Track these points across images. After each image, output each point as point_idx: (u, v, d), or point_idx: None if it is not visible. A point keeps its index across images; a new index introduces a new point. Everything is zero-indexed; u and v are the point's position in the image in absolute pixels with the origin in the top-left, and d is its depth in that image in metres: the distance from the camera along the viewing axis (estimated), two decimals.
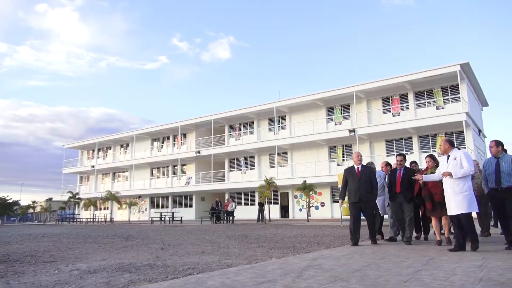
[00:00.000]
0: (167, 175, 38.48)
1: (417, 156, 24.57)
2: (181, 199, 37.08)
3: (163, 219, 27.44)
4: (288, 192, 30.40)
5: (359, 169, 7.24)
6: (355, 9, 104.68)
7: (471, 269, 4.02)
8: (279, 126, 31.91)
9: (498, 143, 5.92)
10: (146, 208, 39.26)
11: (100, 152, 44.84)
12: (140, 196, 38.54)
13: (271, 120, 32.38)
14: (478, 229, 8.74)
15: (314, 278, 3.67)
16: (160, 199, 38.75)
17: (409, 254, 5.48)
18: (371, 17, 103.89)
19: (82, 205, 37.53)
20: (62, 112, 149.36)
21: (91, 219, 34.11)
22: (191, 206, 36.07)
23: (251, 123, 33.93)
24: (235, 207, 25.58)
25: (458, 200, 5.52)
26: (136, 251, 6.93)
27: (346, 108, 29.24)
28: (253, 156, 33.12)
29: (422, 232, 8.12)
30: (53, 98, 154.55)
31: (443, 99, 25.22)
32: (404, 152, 25.40)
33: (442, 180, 5.90)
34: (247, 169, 33.46)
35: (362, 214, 7.22)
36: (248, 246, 7.62)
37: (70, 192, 38.33)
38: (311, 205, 25.63)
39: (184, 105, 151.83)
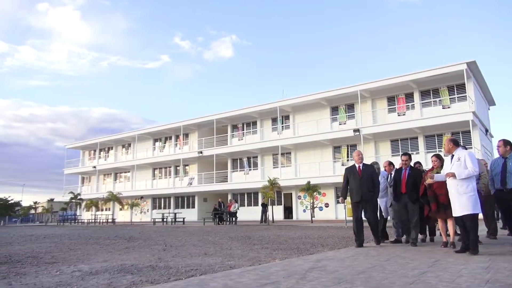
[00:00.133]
0: (169, 176, 38.54)
1: (423, 156, 24.49)
2: (183, 200, 37.13)
3: (165, 220, 27.49)
4: (291, 193, 30.38)
5: (360, 167, 7.19)
6: (359, 7, 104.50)
7: (477, 271, 4.01)
8: (282, 126, 31.89)
9: (507, 143, 5.85)
10: (148, 209, 39.34)
11: (101, 153, 44.98)
12: (142, 197, 38.63)
13: (274, 120, 32.36)
14: (484, 229, 8.72)
15: (318, 280, 3.67)
16: (162, 200, 38.82)
17: (414, 255, 5.47)
18: (375, 16, 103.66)
19: (84, 206, 37.65)
20: (63, 112, 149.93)
21: (93, 220, 34.23)
22: (193, 207, 36.11)
23: (254, 123, 33.92)
24: (238, 208, 25.58)
25: (462, 201, 5.46)
26: (138, 253, 6.95)
27: (350, 107, 29.18)
28: (256, 156, 33.12)
29: (428, 234, 8.04)
30: (54, 98, 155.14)
31: (449, 98, 25.12)
32: (410, 152, 25.43)
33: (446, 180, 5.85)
34: (250, 170, 33.46)
35: (364, 214, 7.19)
36: (251, 247, 7.63)
37: (71, 192, 38.43)
38: (315, 206, 25.59)
39: (186, 104, 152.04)
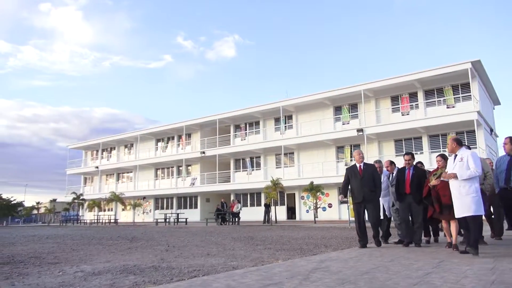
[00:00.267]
0: (172, 176, 38.61)
1: (427, 156, 24.43)
2: (186, 200, 37.19)
3: (167, 220, 27.54)
4: (294, 193, 30.36)
5: (361, 167, 7.14)
6: (361, 7, 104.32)
7: (482, 272, 3.99)
8: (285, 126, 31.88)
9: None
10: (150, 210, 39.43)
11: (104, 153, 45.11)
12: (144, 197, 38.72)
13: (277, 120, 32.35)
14: (489, 230, 8.66)
15: (322, 281, 3.67)
16: (165, 200, 38.89)
17: (418, 256, 5.45)
18: (377, 15, 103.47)
19: (86, 206, 37.77)
20: (65, 112, 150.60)
21: (95, 221, 34.33)
22: (196, 207, 36.16)
23: (257, 123, 33.93)
24: (240, 208, 25.60)
25: (464, 202, 5.40)
26: (141, 253, 6.97)
27: (354, 107, 29.14)
28: (259, 157, 33.13)
29: (432, 235, 7.97)
30: (56, 98, 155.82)
31: (454, 98, 25.04)
32: (414, 152, 25.35)
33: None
34: (253, 170, 33.47)
35: (366, 214, 7.13)
36: (254, 248, 7.63)
37: (74, 193, 38.59)
38: (318, 206, 25.58)
39: (189, 104, 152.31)
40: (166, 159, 37.32)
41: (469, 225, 5.41)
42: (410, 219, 7.23)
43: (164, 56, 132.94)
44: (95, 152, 46.29)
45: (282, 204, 30.63)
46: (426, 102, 26.01)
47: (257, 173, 32.78)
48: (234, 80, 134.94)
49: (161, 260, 5.76)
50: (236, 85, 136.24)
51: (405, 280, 3.62)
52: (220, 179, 34.02)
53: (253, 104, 32.44)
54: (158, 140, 40.62)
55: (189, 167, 37.62)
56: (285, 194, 30.26)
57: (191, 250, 7.43)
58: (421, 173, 7.15)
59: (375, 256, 5.61)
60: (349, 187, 7.34)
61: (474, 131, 22.85)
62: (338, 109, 29.85)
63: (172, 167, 38.67)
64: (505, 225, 8.24)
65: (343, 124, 29.13)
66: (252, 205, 32.63)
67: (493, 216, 8.25)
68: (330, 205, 28.42)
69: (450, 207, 5.93)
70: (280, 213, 28.74)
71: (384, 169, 8.04)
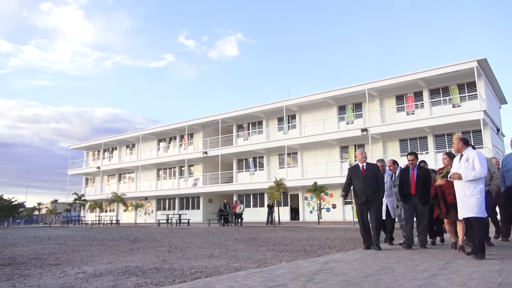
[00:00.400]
0: (174, 176, 38.66)
1: (432, 156, 24.36)
2: (188, 201, 37.24)
3: (170, 221, 27.58)
4: (298, 194, 30.34)
5: (364, 167, 7.02)
6: (365, 6, 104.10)
7: (489, 274, 3.97)
8: (288, 126, 31.86)
9: None
10: (152, 210, 39.50)
11: (105, 153, 45.24)
12: (146, 198, 38.81)
13: (280, 120, 32.34)
14: (491, 232, 8.60)
15: (326, 283, 3.66)
16: (167, 201, 38.95)
17: (424, 258, 5.43)
18: (381, 14, 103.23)
19: (88, 207, 37.91)
20: (67, 112, 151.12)
21: (97, 221, 34.43)
22: (198, 208, 36.20)
23: (260, 123, 33.93)
24: (243, 209, 25.59)
25: (468, 204, 5.32)
26: (143, 254, 6.98)
27: (358, 106, 29.09)
28: (262, 157, 33.13)
29: (438, 237, 7.90)
30: (58, 98, 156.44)
31: (460, 97, 24.95)
32: (419, 152, 25.30)
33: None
34: (255, 170, 33.47)
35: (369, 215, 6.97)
36: (257, 249, 7.63)
37: (75, 193, 38.72)
38: (322, 207, 25.54)
39: (191, 104, 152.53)
40: (168, 159, 37.38)
41: (473, 227, 5.33)
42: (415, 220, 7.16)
43: (166, 56, 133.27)
44: (96, 152, 46.44)
45: (286, 204, 30.61)
46: (432, 102, 25.92)
47: (260, 174, 32.78)
48: (236, 79, 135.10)
49: (163, 262, 5.77)
50: (239, 85, 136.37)
51: (410, 282, 3.60)
52: (222, 180, 34.03)
53: (256, 104, 32.47)
54: (160, 140, 40.70)
55: (191, 168, 37.67)
56: (289, 195, 30.25)
57: (193, 251, 7.43)
58: (426, 173, 7.09)
59: (380, 257, 5.59)
60: (352, 187, 7.22)
61: (480, 130, 22.76)
62: (342, 109, 29.80)
63: (174, 168, 38.73)
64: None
65: (347, 123, 29.08)
66: (255, 205, 32.63)
67: (498, 217, 8.19)
68: (334, 206, 28.37)
69: (456, 206, 5.87)
70: (283, 214, 28.72)
71: (387, 168, 7.93)
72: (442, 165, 6.66)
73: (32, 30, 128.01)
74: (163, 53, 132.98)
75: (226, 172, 34.37)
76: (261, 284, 3.67)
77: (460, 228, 6.07)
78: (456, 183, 5.57)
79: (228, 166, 35.03)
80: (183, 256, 6.51)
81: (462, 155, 5.61)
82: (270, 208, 25.17)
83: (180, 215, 28.93)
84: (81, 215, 41.44)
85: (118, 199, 34.04)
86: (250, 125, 34.56)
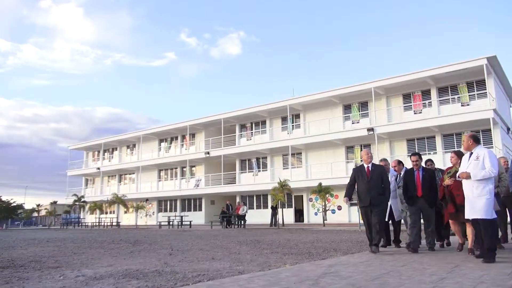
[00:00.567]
0: (175, 177, 38.73)
1: (440, 156, 24.29)
2: (190, 203, 37.28)
3: (171, 223, 27.61)
4: (302, 195, 30.32)
5: (369, 168, 6.83)
6: (371, 2, 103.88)
7: (500, 277, 3.95)
8: (292, 125, 31.84)
9: None
10: (153, 212, 39.58)
11: (105, 153, 45.38)
12: (147, 199, 38.88)
13: (284, 119, 32.32)
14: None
15: (331, 286, 3.65)
16: (168, 202, 39.02)
17: (432, 261, 5.42)
18: (385, 12, 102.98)
19: (88, 208, 38.03)
20: (67, 112, 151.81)
21: (97, 223, 34.50)
22: (200, 209, 36.24)
23: (263, 122, 33.92)
24: (246, 211, 25.60)
25: (477, 205, 5.22)
26: (144, 257, 7.00)
27: (364, 105, 29.03)
28: (266, 157, 33.12)
29: (445, 239, 7.81)
30: (57, 98, 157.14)
31: (469, 95, 24.85)
32: (427, 152, 25.24)
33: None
34: (259, 171, 33.47)
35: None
36: (261, 252, 7.63)
37: (75, 195, 38.86)
38: (327, 208, 25.50)
39: (193, 103, 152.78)
40: (170, 160, 37.45)
41: (482, 229, 5.22)
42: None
43: (167, 54, 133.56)
44: (96, 153, 46.59)
45: (290, 206, 30.60)
46: (440, 100, 25.83)
47: (264, 174, 32.78)
48: (239, 78, 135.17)
49: (165, 265, 5.78)
50: (242, 84, 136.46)
51: (418, 286, 3.59)
52: (225, 181, 34.05)
53: (259, 103, 32.45)
54: (161, 141, 40.77)
55: (193, 168, 37.71)
56: (293, 196, 30.23)
57: (195, 254, 7.45)
58: (432, 174, 7.01)
59: (387, 260, 5.58)
60: (356, 189, 7.07)
61: (490, 130, 22.67)
62: (347, 108, 29.75)
63: (176, 168, 38.79)
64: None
65: (353, 123, 29.03)
66: (258, 207, 32.63)
67: (510, 219, 8.15)
68: (339, 208, 28.33)
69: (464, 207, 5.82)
70: (287, 215, 28.71)
71: (391, 169, 7.84)
72: (450, 165, 6.57)
73: (31, 28, 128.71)
74: (164, 52, 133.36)
75: (228, 173, 34.39)
76: (265, 287, 3.67)
77: (470, 230, 5.98)
78: (465, 182, 5.46)
79: (231, 166, 35.05)
80: (185, 259, 6.52)
81: (471, 153, 5.49)
82: (274, 209, 25.17)
83: (181, 217, 28.94)
84: (81, 217, 41.56)
85: (119, 201, 34.14)
86: (253, 125, 34.57)
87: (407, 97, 27.44)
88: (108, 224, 33.57)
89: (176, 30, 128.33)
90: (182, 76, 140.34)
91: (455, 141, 25.04)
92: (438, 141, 25.66)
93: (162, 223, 28.45)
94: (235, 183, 33.96)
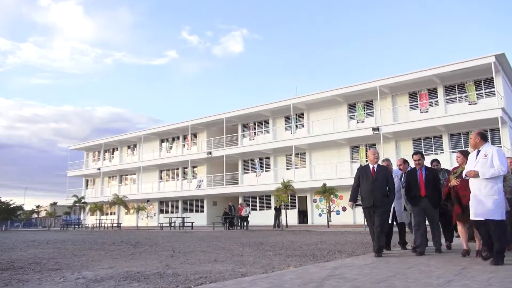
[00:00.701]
0: (177, 178, 38.78)
1: (447, 156, 24.21)
2: (192, 204, 37.33)
3: (172, 224, 27.66)
4: (306, 196, 30.30)
5: (375, 168, 6.74)
6: (370, 2, 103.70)
7: (509, 280, 3.94)
8: (296, 125, 31.82)
9: None
10: (154, 213, 39.66)
11: (106, 154, 45.49)
12: (148, 200, 38.97)
13: (287, 118, 32.32)
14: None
15: None
16: (170, 203, 39.09)
17: (439, 263, 5.40)
18: (389, 10, 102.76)
19: (88, 209, 38.11)
20: (66, 112, 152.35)
21: (97, 225, 34.61)
22: (202, 211, 36.28)
23: (266, 122, 33.93)
24: (249, 212, 25.62)
25: (485, 205, 5.14)
26: (145, 259, 7.01)
27: (369, 104, 28.98)
28: (269, 157, 33.12)
29: (449, 241, 7.76)
30: (57, 97, 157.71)
31: (476, 94, 24.77)
32: (433, 152, 25.18)
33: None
34: (262, 171, 33.48)
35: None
36: (264, 254, 7.63)
37: (75, 196, 39.00)
38: (331, 209, 25.48)
39: (195, 103, 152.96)
40: (171, 160, 37.49)
41: (491, 230, 5.15)
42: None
43: (169, 53, 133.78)
44: (97, 153, 46.71)
45: (293, 207, 30.59)
46: (447, 99, 25.76)
47: (267, 175, 32.78)
48: (242, 77, 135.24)
49: (166, 267, 5.79)
50: (244, 82, 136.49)
51: None
52: (227, 181, 34.08)
53: (262, 102, 32.46)
54: (162, 141, 40.84)
55: (195, 169, 37.76)
56: (296, 197, 30.22)
57: (197, 256, 7.46)
58: (435, 173, 6.97)
59: (393, 262, 5.57)
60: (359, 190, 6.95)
61: (498, 129, 22.60)
62: (352, 107, 29.71)
63: (177, 169, 38.85)
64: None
65: (358, 122, 28.99)
66: (261, 208, 32.63)
67: None
68: (344, 209, 28.30)
69: None
70: (291, 217, 28.70)
71: (396, 168, 7.78)
72: (456, 166, 6.51)
73: (30, 26, 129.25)
74: (166, 50, 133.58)
75: (231, 174, 34.40)
76: None
77: (478, 233, 5.90)
78: (472, 181, 5.36)
79: (233, 167, 35.07)
80: (186, 261, 6.53)
81: (479, 151, 5.40)
82: (277, 211, 25.17)
83: (183, 218, 28.99)
84: (81, 218, 41.71)
85: (119, 202, 34.22)
86: (256, 124, 34.57)
87: (413, 96, 27.38)
88: (109, 225, 33.66)
89: (177, 28, 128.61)
90: (183, 75, 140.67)
91: (462, 141, 24.96)
92: (445, 140, 25.58)
93: (164, 225, 28.50)
94: (237, 183, 33.98)
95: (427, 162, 7.36)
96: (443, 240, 7.40)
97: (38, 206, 63.85)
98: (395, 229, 7.79)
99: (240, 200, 32.39)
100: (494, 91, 23.45)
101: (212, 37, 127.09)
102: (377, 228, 6.50)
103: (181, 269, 5.45)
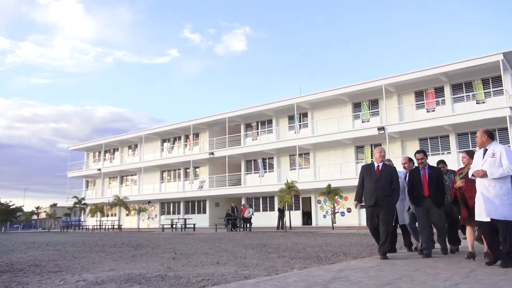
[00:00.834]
0: (179, 179, 38.82)
1: (455, 156, 24.12)
2: (194, 205, 37.37)
3: (174, 226, 27.72)
4: (310, 197, 30.28)
5: (380, 167, 6.68)
6: (370, 2, 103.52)
7: None
8: (300, 124, 31.80)
9: None
10: (156, 215, 39.72)
11: (106, 154, 45.59)
12: (149, 202, 39.04)
13: (291, 118, 32.29)
14: None
15: None
16: (171, 204, 39.14)
17: (446, 265, 5.38)
18: (393, 9, 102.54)
19: (88, 211, 38.24)
20: (66, 112, 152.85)
21: (98, 226, 34.74)
22: (204, 212, 36.31)
23: (270, 121, 33.92)
24: (252, 213, 25.63)
25: (493, 205, 5.06)
26: (146, 261, 7.02)
27: (374, 103, 28.92)
28: (272, 158, 33.11)
29: (453, 244, 7.68)
30: (57, 97, 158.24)
31: (484, 92, 24.68)
32: (440, 152, 25.11)
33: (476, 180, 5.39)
34: (265, 172, 33.47)
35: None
36: (267, 256, 7.63)
37: (75, 197, 39.11)
38: (336, 211, 25.45)
39: (196, 102, 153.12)
40: (173, 160, 37.53)
41: (500, 232, 5.06)
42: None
43: (170, 51, 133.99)
44: (97, 153, 46.82)
45: (297, 208, 30.57)
46: (454, 98, 25.67)
47: (270, 175, 32.76)
48: (244, 75, 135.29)
49: (168, 269, 5.80)
50: (247, 81, 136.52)
51: None
52: (230, 182, 34.08)
53: (265, 101, 32.42)
54: (163, 141, 40.90)
55: (197, 169, 37.80)
56: (300, 198, 30.20)
57: (199, 258, 7.46)
58: (439, 172, 6.94)
59: (399, 265, 5.56)
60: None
61: (506, 128, 22.49)
62: (357, 106, 29.66)
63: (179, 169, 38.89)
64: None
65: (363, 122, 28.94)
66: (264, 209, 32.63)
67: None
68: (349, 210, 28.26)
69: None
70: (295, 218, 28.68)
71: (400, 167, 7.67)
72: (462, 166, 6.44)
73: (30, 25, 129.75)
74: (167, 49, 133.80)
75: (233, 174, 34.41)
76: None
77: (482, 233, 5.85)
78: (479, 181, 5.28)
79: (236, 167, 35.08)
80: (188, 263, 6.54)
81: (486, 150, 5.33)
82: (281, 212, 25.17)
83: (185, 219, 29.07)
84: (82, 220, 41.85)
85: (120, 203, 34.31)
86: (259, 124, 34.56)
87: (419, 95, 27.30)
88: (110, 227, 33.78)
89: (179, 26, 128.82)
90: (185, 73, 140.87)
91: (469, 140, 24.86)
92: (452, 140, 25.50)
93: (165, 226, 28.56)
94: (240, 184, 33.98)
95: (433, 163, 7.32)
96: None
97: (38, 208, 64.08)
98: (399, 230, 7.75)
99: (243, 201, 32.38)
100: (503, 89, 23.34)
101: (214, 35, 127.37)
102: (382, 228, 6.46)
103: (183, 272, 5.46)
